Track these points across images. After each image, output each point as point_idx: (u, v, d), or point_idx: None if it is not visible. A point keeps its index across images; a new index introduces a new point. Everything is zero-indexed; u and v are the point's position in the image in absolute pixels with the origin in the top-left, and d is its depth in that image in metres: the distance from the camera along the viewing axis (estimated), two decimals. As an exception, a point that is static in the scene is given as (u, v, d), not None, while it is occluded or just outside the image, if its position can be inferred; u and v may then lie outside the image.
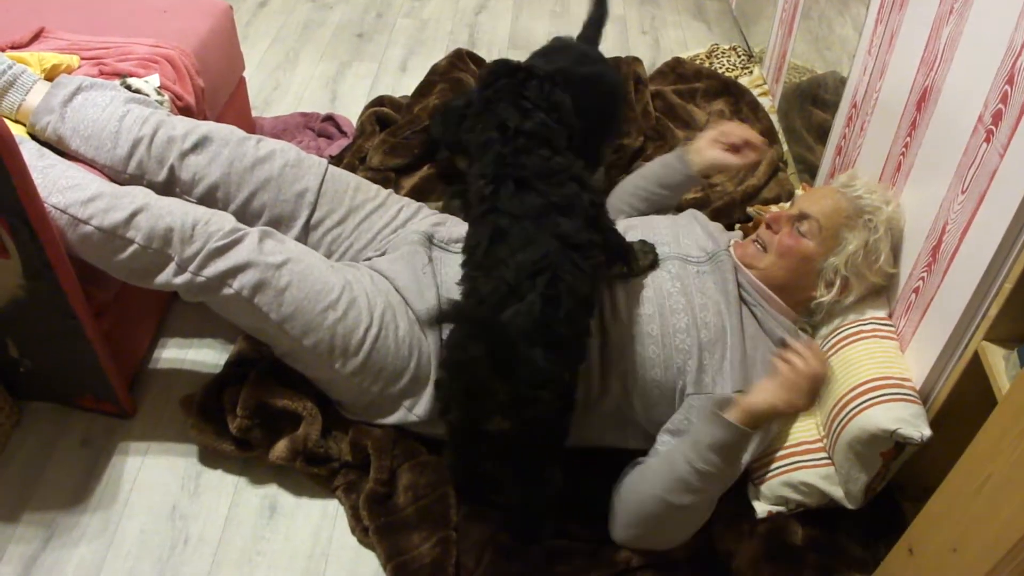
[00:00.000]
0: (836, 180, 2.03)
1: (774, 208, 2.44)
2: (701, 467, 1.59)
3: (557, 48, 2.62)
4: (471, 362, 1.44)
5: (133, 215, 1.75)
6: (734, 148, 2.13)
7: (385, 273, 1.94)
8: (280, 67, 3.42)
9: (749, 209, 2.52)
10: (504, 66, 1.79)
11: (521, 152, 1.63)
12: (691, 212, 2.18)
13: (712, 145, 2.15)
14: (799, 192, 2.44)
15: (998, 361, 1.51)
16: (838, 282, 1.92)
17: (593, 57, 2.65)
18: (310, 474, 1.92)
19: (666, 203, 2.27)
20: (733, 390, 1.76)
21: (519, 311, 1.46)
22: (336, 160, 2.75)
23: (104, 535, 1.83)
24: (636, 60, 3.14)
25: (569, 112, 1.75)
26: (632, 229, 2.02)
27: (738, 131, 2.14)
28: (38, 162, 1.80)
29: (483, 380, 1.44)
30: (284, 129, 2.96)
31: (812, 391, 1.54)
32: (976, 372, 1.56)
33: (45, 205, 1.69)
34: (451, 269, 1.90)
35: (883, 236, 1.89)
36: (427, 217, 2.13)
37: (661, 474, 1.66)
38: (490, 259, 1.55)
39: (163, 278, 1.78)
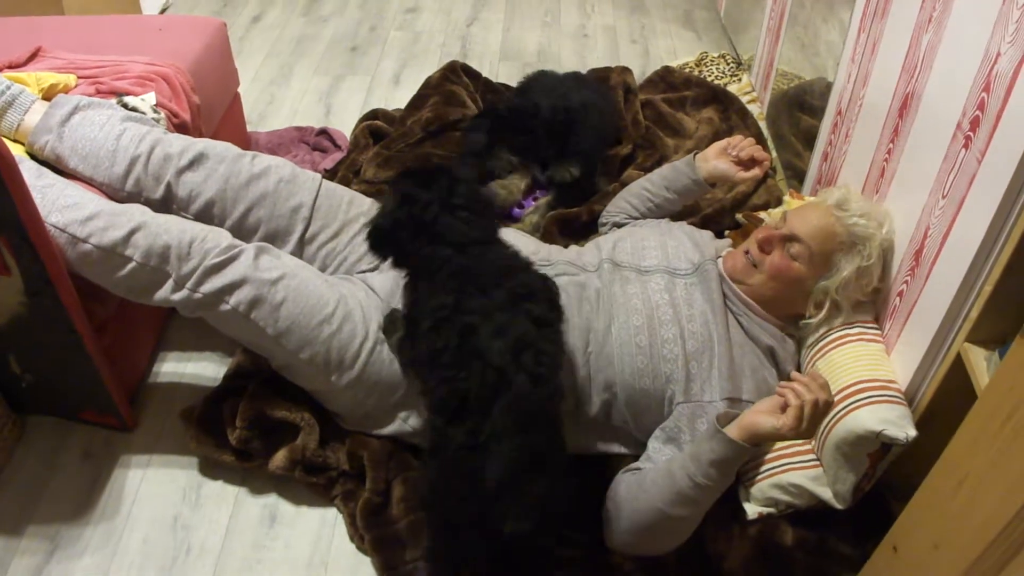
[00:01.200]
0: (830, 195, 1.99)
1: (763, 215, 2.46)
2: (701, 481, 1.60)
3: (549, 82, 2.81)
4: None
5: (131, 233, 1.78)
6: (741, 162, 2.16)
7: (378, 291, 1.97)
8: (274, 81, 3.46)
9: (738, 215, 2.55)
10: (423, 178, 1.77)
11: (477, 258, 1.66)
12: (679, 224, 2.21)
13: (721, 155, 2.19)
14: (787, 199, 2.46)
15: (980, 362, 1.53)
16: (828, 304, 1.93)
17: (588, 84, 2.89)
18: (309, 483, 1.94)
19: (670, 207, 2.30)
20: (721, 397, 1.79)
21: (512, 397, 1.50)
22: (331, 173, 2.79)
23: (107, 546, 1.86)
24: (626, 70, 3.17)
25: (492, 205, 1.77)
26: (621, 242, 2.05)
27: (747, 146, 2.17)
28: (37, 181, 1.83)
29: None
30: (279, 143, 2.98)
31: (814, 418, 1.56)
32: (959, 373, 1.59)
33: (45, 224, 1.72)
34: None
35: (876, 262, 1.90)
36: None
37: (660, 487, 1.66)
38: (464, 354, 1.55)
39: (161, 295, 1.81)
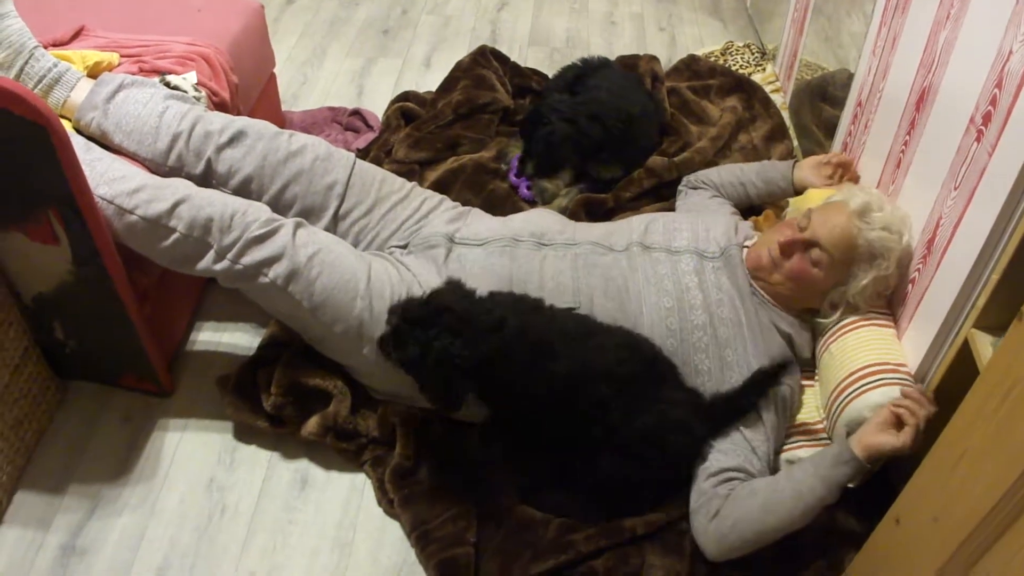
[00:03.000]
0: (853, 199, 1.98)
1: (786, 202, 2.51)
2: (831, 502, 1.68)
3: (611, 80, 2.89)
4: None
5: (175, 205, 1.85)
6: (830, 177, 2.28)
7: (410, 268, 2.01)
8: (308, 62, 3.51)
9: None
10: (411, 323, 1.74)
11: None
12: (726, 208, 2.33)
13: (816, 169, 2.31)
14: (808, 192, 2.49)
15: (986, 348, 1.58)
16: (843, 307, 1.97)
17: (643, 87, 3.00)
18: (340, 449, 2.01)
19: (749, 192, 2.42)
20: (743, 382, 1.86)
21: None
22: (363, 153, 2.84)
23: (145, 505, 1.94)
24: (653, 58, 3.21)
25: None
26: (653, 223, 2.11)
27: (839, 162, 2.31)
28: (85, 155, 1.89)
29: None
30: (313, 123, 3.04)
31: (923, 432, 1.66)
32: (966, 358, 1.63)
33: (93, 196, 1.78)
34: (472, 261, 2.00)
35: (894, 272, 1.92)
36: (448, 210, 2.21)
37: (789, 509, 1.69)
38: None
39: (203, 265, 1.87)
